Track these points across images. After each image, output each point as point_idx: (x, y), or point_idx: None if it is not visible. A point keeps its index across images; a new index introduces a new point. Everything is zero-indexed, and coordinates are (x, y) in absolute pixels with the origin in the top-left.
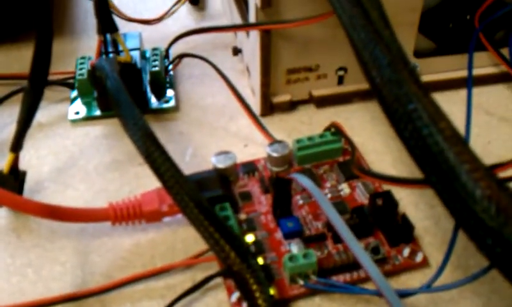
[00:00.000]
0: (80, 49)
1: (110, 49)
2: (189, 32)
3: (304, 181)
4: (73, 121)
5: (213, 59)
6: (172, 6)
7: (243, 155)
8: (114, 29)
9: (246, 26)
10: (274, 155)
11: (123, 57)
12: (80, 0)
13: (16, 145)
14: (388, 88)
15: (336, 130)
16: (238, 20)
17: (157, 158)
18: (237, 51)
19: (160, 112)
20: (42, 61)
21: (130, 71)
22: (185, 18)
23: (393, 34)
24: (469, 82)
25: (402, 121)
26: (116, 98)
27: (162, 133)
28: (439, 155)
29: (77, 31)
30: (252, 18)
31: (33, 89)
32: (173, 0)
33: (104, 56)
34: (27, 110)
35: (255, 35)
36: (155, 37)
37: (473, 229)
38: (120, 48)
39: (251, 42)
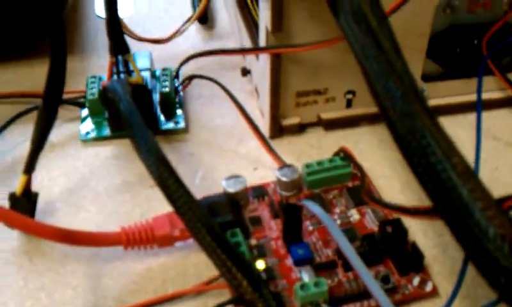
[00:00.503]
0: (90, 67)
1: (121, 70)
2: (199, 53)
3: (315, 209)
4: (84, 141)
5: (222, 79)
6: (182, 26)
7: (253, 178)
8: (126, 50)
9: (256, 50)
10: (284, 179)
11: (134, 78)
12: (89, 18)
13: (30, 167)
14: (402, 121)
15: (345, 155)
16: (246, 39)
17: (170, 185)
18: (245, 72)
19: (170, 133)
20: (56, 83)
21: (141, 93)
22: (194, 37)
23: (405, 65)
24: (478, 108)
25: (416, 155)
26: (130, 122)
27: (172, 154)
28: (452, 191)
29: (86, 49)
30: (262, 41)
31: (47, 111)
32: (182, 18)
33: (115, 77)
34: (41, 132)
35: (265, 58)
36: (165, 55)
37: (486, 267)
38: (131, 68)
39: (260, 64)
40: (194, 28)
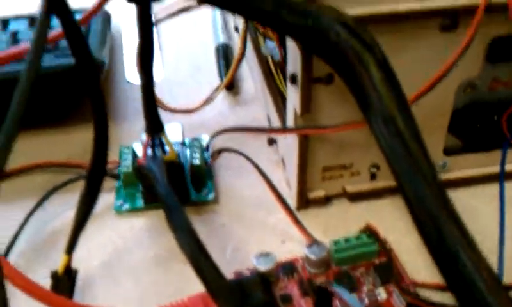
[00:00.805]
0: (122, 134)
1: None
2: (229, 129)
3: (345, 295)
4: (118, 212)
5: (248, 148)
6: (210, 94)
7: (281, 253)
8: (160, 129)
9: (285, 130)
10: (313, 257)
11: (168, 155)
12: (120, 85)
13: (71, 247)
14: (432, 228)
15: (371, 233)
16: (272, 108)
17: (204, 268)
18: (272, 141)
19: (200, 204)
20: (99, 167)
21: (174, 169)
22: (221, 103)
23: (431, 166)
24: (501, 182)
25: (445, 263)
26: (167, 204)
27: (203, 226)
28: (482, 302)
29: (117, 116)
30: (290, 120)
31: (90, 194)
32: (209, 84)
33: (150, 151)
34: (83, 214)
35: (292, 136)
36: (192, 122)
37: None
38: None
39: (288, 140)
40: (221, 94)
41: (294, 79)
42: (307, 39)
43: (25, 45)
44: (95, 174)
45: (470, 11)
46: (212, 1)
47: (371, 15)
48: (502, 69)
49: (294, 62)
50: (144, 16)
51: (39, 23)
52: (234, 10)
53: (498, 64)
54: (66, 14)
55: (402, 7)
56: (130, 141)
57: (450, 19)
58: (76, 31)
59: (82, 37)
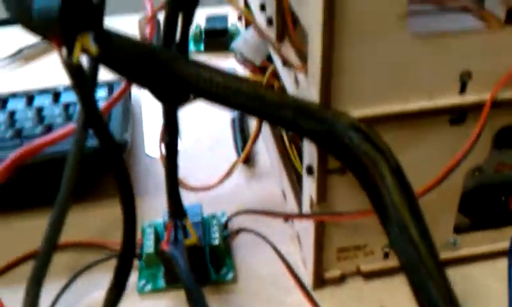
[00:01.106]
0: (143, 209)
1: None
2: (248, 211)
3: None
4: (141, 293)
5: (265, 224)
6: (228, 171)
7: None
8: (183, 215)
9: (303, 216)
10: None
11: (190, 239)
12: (140, 159)
13: None
14: None
15: None
16: (287, 184)
17: None
18: (287, 218)
19: (219, 283)
20: (128, 253)
21: (195, 252)
22: (237, 176)
23: (443, 272)
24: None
25: None
26: (188, 289)
27: None
28: None
29: (138, 190)
30: (306, 205)
31: (117, 288)
32: (225, 157)
33: (172, 231)
34: (113, 301)
35: (309, 221)
36: (210, 194)
37: None
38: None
39: (303, 223)
40: (237, 167)
41: (310, 171)
42: (323, 143)
43: (67, 128)
44: (125, 260)
45: (477, 106)
46: (234, 107)
47: (382, 115)
48: (507, 154)
49: (311, 156)
50: (170, 115)
51: (77, 135)
52: (256, 116)
53: (503, 150)
54: (96, 120)
55: (411, 106)
56: (151, 215)
57: (458, 114)
58: (101, 124)
59: (107, 130)
